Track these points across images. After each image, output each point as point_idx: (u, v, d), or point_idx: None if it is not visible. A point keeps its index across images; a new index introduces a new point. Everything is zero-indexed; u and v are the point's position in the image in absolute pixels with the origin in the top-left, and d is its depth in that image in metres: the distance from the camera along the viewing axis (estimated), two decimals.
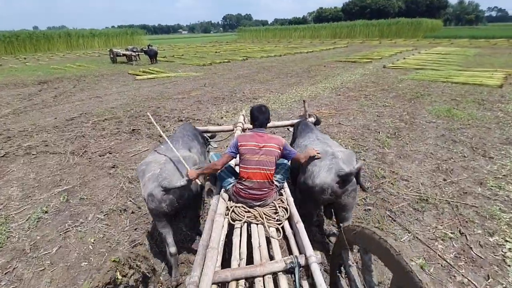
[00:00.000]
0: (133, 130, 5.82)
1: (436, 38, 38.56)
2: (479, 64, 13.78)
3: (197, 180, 2.19)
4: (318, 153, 2.29)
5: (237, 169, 2.55)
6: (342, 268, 1.82)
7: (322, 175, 2.16)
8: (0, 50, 32.32)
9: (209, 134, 3.37)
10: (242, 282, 1.62)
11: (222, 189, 2.39)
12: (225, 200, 2.28)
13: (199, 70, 14.60)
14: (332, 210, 2.48)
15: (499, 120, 5.87)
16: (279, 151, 2.22)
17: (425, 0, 76.59)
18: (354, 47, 27.71)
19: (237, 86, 10.31)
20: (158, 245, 2.72)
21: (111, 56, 18.95)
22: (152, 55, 17.75)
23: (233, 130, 3.47)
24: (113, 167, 4.28)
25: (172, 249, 2.19)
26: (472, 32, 44.65)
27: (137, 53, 18.50)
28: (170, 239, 2.21)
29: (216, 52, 24.56)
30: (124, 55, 18.61)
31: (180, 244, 2.66)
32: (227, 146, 3.20)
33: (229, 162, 2.37)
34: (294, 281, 1.60)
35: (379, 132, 5.40)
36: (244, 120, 3.68)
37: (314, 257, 1.64)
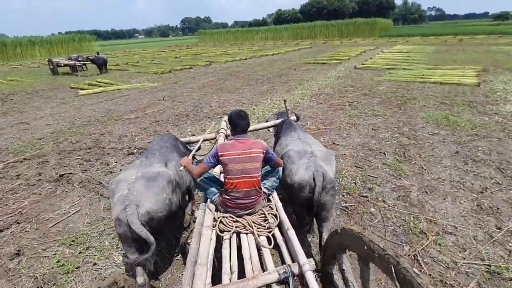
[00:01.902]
0: (60, 176, 4.16)
1: (391, 36, 40.48)
2: (443, 62, 13.93)
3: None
4: None
5: (221, 177, 2.46)
6: (334, 273, 1.77)
7: (300, 173, 2.18)
8: None
9: (195, 148, 3.04)
10: None
11: (208, 200, 2.29)
12: (211, 211, 2.18)
13: (157, 79, 12.85)
14: (312, 213, 2.25)
15: (503, 127, 5.26)
16: (263, 155, 2.13)
17: (375, 1, 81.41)
18: (317, 47, 27.62)
19: (203, 97, 8.89)
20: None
21: (51, 67, 16.22)
22: (101, 64, 15.48)
23: (215, 137, 3.32)
24: (16, 255, 2.68)
25: (140, 279, 1.92)
26: (421, 30, 47.87)
27: (82, 62, 16.05)
28: (139, 268, 1.93)
29: (176, 57, 22.66)
30: (66, 65, 16.04)
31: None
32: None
33: (213, 171, 2.40)
34: None
35: (385, 154, 4.42)
36: (226, 125, 3.39)
37: (308, 265, 1.57)
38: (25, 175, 4.26)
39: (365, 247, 1.25)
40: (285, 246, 1.85)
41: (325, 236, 2.20)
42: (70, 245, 2.75)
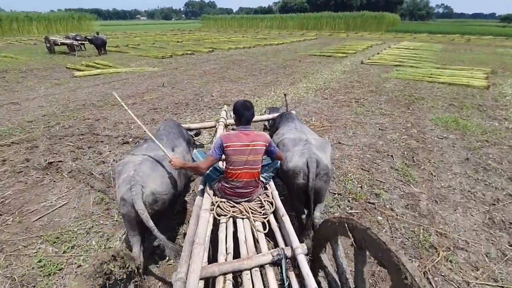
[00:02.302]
0: (49, 163, 3.93)
1: (397, 32, 39.71)
2: (450, 61, 13.60)
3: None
4: None
5: (220, 164, 2.54)
6: (325, 256, 1.84)
7: (295, 159, 2.23)
8: None
9: (192, 132, 3.19)
10: (229, 276, 1.59)
11: (207, 185, 2.32)
12: (210, 196, 2.22)
13: (157, 64, 12.44)
14: (309, 200, 2.24)
15: None
16: (265, 148, 2.14)
17: None
18: (323, 39, 27.00)
19: (204, 86, 8.58)
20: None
21: (48, 45, 15.66)
22: (100, 45, 14.96)
23: (215, 126, 3.36)
24: None
25: (136, 250, 1.96)
26: (428, 27, 46.92)
27: (80, 42, 15.51)
28: (136, 249, 1.97)
29: (178, 41, 22.05)
30: (63, 44, 15.50)
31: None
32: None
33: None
34: (281, 273, 1.61)
35: (392, 157, 4.21)
36: (226, 115, 3.59)
37: (300, 249, 1.64)
38: (11, 160, 4.02)
39: (362, 237, 1.30)
40: (279, 232, 1.93)
41: (317, 214, 2.28)
42: (54, 243, 2.55)
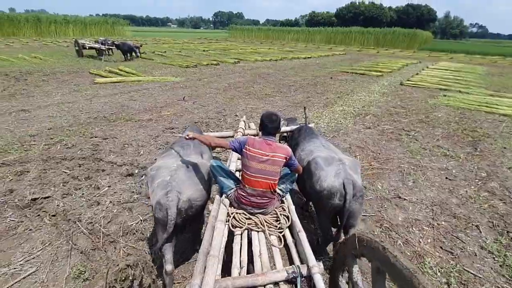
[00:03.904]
0: (33, 200, 3.16)
1: (431, 50, 37.78)
2: (502, 87, 12.06)
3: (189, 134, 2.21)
4: None
5: (237, 173, 2.58)
6: (342, 279, 1.79)
7: (330, 180, 2.19)
8: None
9: None
10: None
11: (223, 195, 2.31)
12: (225, 206, 2.21)
13: (181, 73, 11.91)
14: (338, 218, 2.31)
15: None
16: (285, 161, 2.15)
17: (416, 11, 77.30)
18: (352, 55, 25.87)
19: (228, 102, 7.78)
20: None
21: (76, 48, 15.79)
22: (126, 50, 14.82)
23: (233, 136, 3.33)
24: None
25: (169, 267, 2.00)
26: (463, 46, 44.42)
27: (107, 46, 15.47)
28: (169, 255, 2.01)
29: (204, 50, 21.80)
30: (92, 48, 15.51)
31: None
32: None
33: (230, 168, 2.57)
34: None
35: (478, 228, 3.07)
36: (244, 126, 3.63)
37: (317, 268, 1.59)
38: None
39: (384, 259, 1.22)
40: (294, 248, 1.88)
41: None
42: None
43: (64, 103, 7.04)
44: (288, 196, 2.39)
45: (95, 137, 5.02)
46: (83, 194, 3.34)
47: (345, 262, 1.64)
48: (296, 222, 2.05)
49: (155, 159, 4.15)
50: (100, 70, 11.36)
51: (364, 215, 3.16)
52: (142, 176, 3.76)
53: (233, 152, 2.21)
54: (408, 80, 12.38)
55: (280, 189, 2.28)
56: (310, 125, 3.30)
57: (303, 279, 1.58)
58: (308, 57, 20.76)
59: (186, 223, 2.09)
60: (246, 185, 2.12)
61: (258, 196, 2.11)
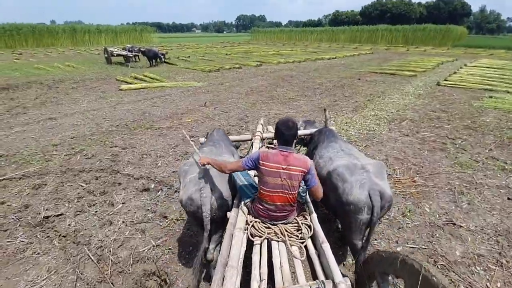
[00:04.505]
0: (45, 218, 3.00)
1: (467, 47, 35.02)
2: None
3: (206, 166, 2.10)
4: None
5: (256, 179, 2.39)
6: None
7: (355, 192, 2.01)
8: (0, 43, 30.51)
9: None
10: None
11: (242, 202, 2.19)
12: (244, 214, 2.08)
13: (204, 77, 11.83)
14: (369, 235, 2.08)
15: None
16: (303, 175, 1.95)
17: (448, 6, 72.69)
18: (380, 54, 24.56)
19: (250, 107, 7.46)
20: None
21: (106, 55, 16.41)
22: (151, 57, 15.11)
23: (251, 139, 3.27)
24: None
25: (209, 256, 2.05)
26: (502, 42, 40.74)
27: (134, 53, 15.89)
28: (211, 246, 2.07)
29: (226, 54, 21.80)
30: (119, 55, 16.02)
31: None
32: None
33: (250, 174, 2.38)
34: None
35: None
36: (262, 129, 3.47)
37: (344, 284, 1.44)
38: (8, 205, 3.22)
39: (418, 279, 1.14)
40: (318, 260, 1.75)
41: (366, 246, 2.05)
42: None
43: (90, 111, 7.12)
44: (309, 203, 2.23)
45: (115, 146, 4.91)
46: (96, 212, 3.14)
47: (373, 278, 1.52)
48: (319, 232, 1.90)
49: (173, 171, 3.91)
50: (126, 77, 11.58)
51: (411, 247, 2.64)
52: (158, 192, 3.51)
53: (247, 169, 2.05)
54: (445, 80, 11.31)
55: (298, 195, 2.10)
56: (330, 128, 3.07)
57: None
58: (333, 58, 19.97)
59: (215, 225, 2.05)
60: (263, 199, 2.00)
61: (277, 210, 2.00)
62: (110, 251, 2.56)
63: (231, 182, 2.25)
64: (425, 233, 2.85)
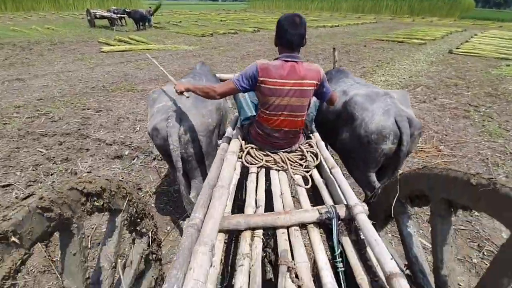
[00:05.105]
0: None
1: (475, 19, 33.47)
2: None
3: (184, 93, 1.67)
4: None
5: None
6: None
7: (378, 119, 1.71)
8: None
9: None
10: (259, 232, 1.20)
11: (237, 123, 1.99)
12: (238, 139, 1.81)
13: (195, 42, 10.79)
14: (393, 169, 1.84)
15: None
16: (316, 89, 1.57)
17: None
18: (384, 23, 23.28)
19: None
20: None
21: (88, 18, 14.99)
22: (138, 19, 13.80)
23: None
24: None
25: (189, 208, 1.68)
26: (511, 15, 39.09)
27: (119, 15, 14.48)
28: (182, 188, 1.68)
29: (221, 20, 20.27)
30: (103, 17, 14.61)
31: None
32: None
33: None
34: (329, 236, 1.20)
35: None
36: None
37: (361, 207, 1.19)
38: None
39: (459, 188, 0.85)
40: (325, 189, 1.50)
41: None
42: None
43: (64, 72, 6.28)
44: (316, 134, 1.97)
45: (88, 109, 4.20)
46: (53, 182, 2.53)
47: (387, 214, 1.21)
48: (328, 159, 1.67)
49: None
50: (110, 39, 10.50)
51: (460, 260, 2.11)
52: (133, 160, 2.90)
53: (241, 90, 1.58)
54: (457, 48, 10.49)
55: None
56: (341, 68, 2.71)
57: (339, 222, 1.23)
58: (336, 26, 18.74)
59: (190, 164, 1.77)
60: (264, 124, 1.65)
61: (280, 137, 1.68)
62: None
63: (220, 110, 1.90)
64: (461, 211, 2.31)
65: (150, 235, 1.22)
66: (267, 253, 1.27)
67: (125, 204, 1.05)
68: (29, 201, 0.67)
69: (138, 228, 1.16)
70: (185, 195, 1.68)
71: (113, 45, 9.50)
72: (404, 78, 6.31)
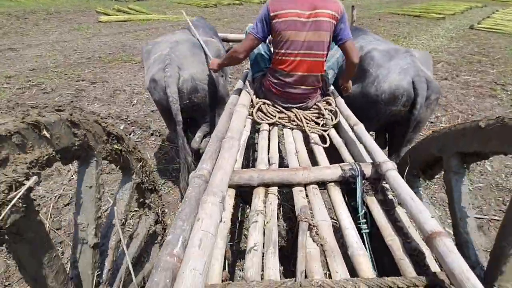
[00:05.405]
0: None
1: None
2: None
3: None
4: None
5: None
6: None
7: (393, 78, 1.58)
8: None
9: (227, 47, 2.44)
10: (274, 189, 1.10)
11: (248, 77, 1.83)
12: (249, 93, 1.65)
13: (198, 13, 10.16)
14: (392, 132, 1.82)
15: None
16: (335, 23, 1.38)
17: None
18: None
19: None
20: None
21: None
22: None
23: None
24: None
25: (194, 144, 1.70)
26: None
27: None
28: (184, 143, 1.57)
29: None
30: None
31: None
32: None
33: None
34: (352, 196, 1.06)
35: None
36: None
37: (391, 163, 1.06)
38: None
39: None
40: (345, 148, 1.38)
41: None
42: None
43: (59, 42, 5.91)
44: (334, 90, 1.81)
45: (82, 80, 3.92)
46: None
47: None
48: (350, 116, 1.51)
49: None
50: (108, 9, 9.93)
51: (479, 217, 1.88)
52: (129, 135, 2.66)
53: (263, 38, 1.47)
54: (479, 24, 9.77)
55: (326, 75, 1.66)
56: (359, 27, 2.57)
57: (364, 181, 1.08)
58: None
59: (192, 117, 1.70)
60: (280, 69, 1.50)
61: (296, 84, 1.52)
62: (51, 214, 1.79)
63: (220, 58, 1.78)
64: (493, 198, 2.07)
65: (158, 211, 1.22)
66: (283, 210, 1.19)
67: (138, 166, 1.08)
68: (60, 112, 0.73)
69: (146, 200, 1.17)
70: (183, 148, 1.56)
71: (112, 15, 8.98)
72: None
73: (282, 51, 1.44)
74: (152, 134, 2.68)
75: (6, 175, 0.53)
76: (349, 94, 1.74)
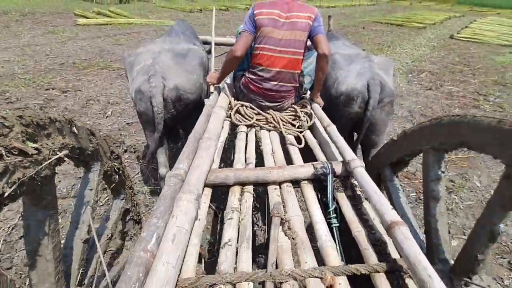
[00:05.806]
0: None
1: (472, 5, 33.03)
2: None
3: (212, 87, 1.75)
4: None
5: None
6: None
7: (350, 81, 1.72)
8: None
9: (206, 48, 2.44)
10: (250, 188, 1.14)
11: (227, 80, 1.91)
12: (227, 95, 1.75)
13: (183, 18, 9.95)
14: (357, 133, 1.88)
15: None
16: (310, 23, 1.55)
17: None
18: (382, 6, 22.60)
19: None
20: None
21: None
22: None
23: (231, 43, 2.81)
24: None
25: (163, 170, 1.69)
26: (510, 2, 38.85)
27: None
28: (163, 159, 1.70)
29: None
30: None
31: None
32: None
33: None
34: (324, 192, 1.15)
35: None
36: None
37: (358, 161, 1.16)
38: None
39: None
40: (319, 148, 1.47)
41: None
42: None
43: (31, 46, 5.54)
44: (309, 92, 1.88)
45: (52, 89, 3.62)
46: None
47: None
48: (323, 118, 1.57)
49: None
50: (87, 12, 9.54)
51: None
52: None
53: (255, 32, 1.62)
54: (458, 34, 10.10)
55: (302, 76, 1.79)
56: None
57: (335, 178, 1.16)
58: (332, 6, 17.94)
59: (176, 124, 1.76)
60: (258, 64, 1.60)
61: (273, 80, 1.61)
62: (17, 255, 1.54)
63: (203, 65, 1.83)
64: None
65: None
66: (257, 207, 1.23)
67: (129, 193, 1.23)
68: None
69: (130, 231, 1.24)
70: (150, 151, 1.62)
71: (91, 18, 8.62)
72: (407, 63, 5.89)
73: (261, 45, 1.56)
74: (125, 151, 2.46)
75: (47, 145, 0.69)
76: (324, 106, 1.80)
